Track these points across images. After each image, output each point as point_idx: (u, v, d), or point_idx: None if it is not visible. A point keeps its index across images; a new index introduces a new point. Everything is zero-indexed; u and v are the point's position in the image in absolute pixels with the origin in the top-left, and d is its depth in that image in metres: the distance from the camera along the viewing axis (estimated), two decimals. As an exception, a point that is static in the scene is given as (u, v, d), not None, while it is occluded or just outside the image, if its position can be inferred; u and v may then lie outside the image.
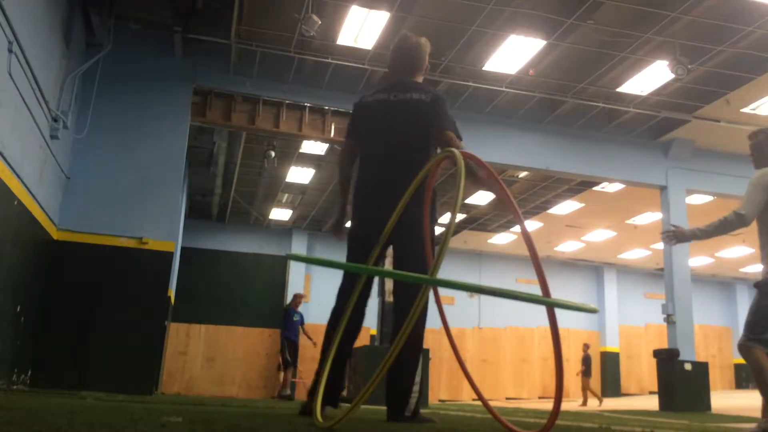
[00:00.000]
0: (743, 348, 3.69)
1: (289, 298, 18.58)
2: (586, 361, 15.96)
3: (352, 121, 3.63)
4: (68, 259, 8.31)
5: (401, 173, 3.21)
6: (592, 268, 22.19)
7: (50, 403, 3.47)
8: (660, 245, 13.24)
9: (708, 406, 10.62)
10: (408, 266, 3.16)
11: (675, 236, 4.02)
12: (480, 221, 17.90)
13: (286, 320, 13.43)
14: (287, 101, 10.71)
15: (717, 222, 3.85)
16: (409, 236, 3.23)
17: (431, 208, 3.31)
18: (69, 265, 8.30)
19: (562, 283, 20.78)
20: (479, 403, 12.89)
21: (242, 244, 18.66)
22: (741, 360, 19.54)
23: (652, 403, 11.98)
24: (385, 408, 3.36)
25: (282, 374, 13.33)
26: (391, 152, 3.38)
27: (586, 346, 16.38)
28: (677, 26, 9.06)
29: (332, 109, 10.88)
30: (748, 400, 12.01)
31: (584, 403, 15.20)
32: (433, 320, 3.39)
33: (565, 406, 8.05)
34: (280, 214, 17.98)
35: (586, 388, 15.78)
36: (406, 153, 3.32)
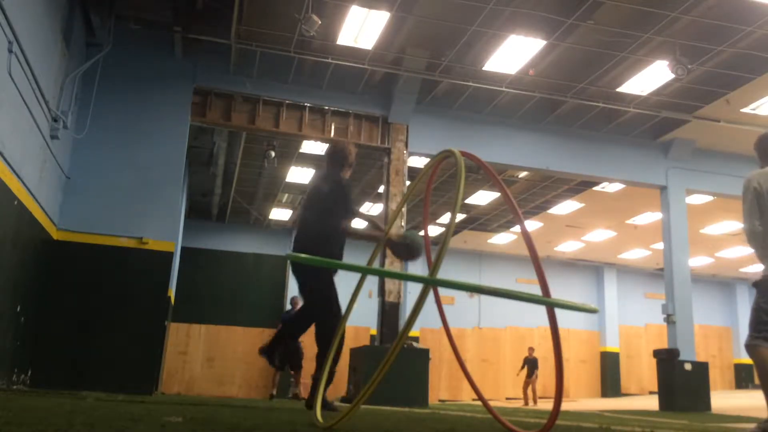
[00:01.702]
0: (749, 347, 3.72)
1: (289, 297, 18.59)
2: (529, 363, 16.02)
3: None
4: (68, 259, 8.31)
5: (305, 235, 4.72)
6: (592, 268, 22.19)
7: (50, 403, 3.47)
8: (660, 245, 13.24)
9: (708, 406, 10.62)
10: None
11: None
12: (480, 221, 17.90)
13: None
14: (287, 101, 10.71)
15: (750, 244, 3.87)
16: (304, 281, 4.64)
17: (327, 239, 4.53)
18: (69, 265, 8.30)
19: (562, 283, 20.76)
20: (479, 403, 12.86)
21: (242, 244, 18.66)
22: (741, 360, 19.54)
23: (652, 403, 11.97)
24: (385, 408, 3.38)
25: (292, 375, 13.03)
26: (304, 219, 4.83)
27: (530, 350, 16.46)
28: (677, 26, 9.06)
29: (332, 109, 10.88)
30: (749, 400, 12.01)
31: (525, 403, 15.34)
32: (433, 320, 3.40)
33: (565, 405, 8.06)
34: (280, 214, 17.98)
35: (526, 389, 15.92)
36: (311, 221, 4.71)
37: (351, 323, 4.35)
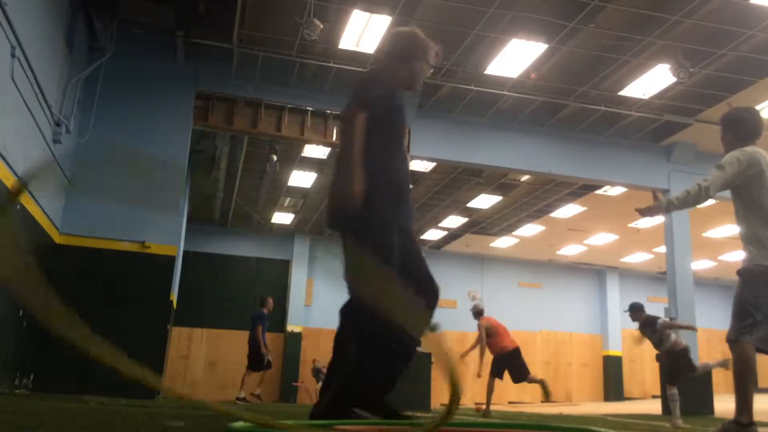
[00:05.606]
0: (733, 342, 3.47)
1: (292, 301, 18.58)
2: (314, 372, 16.48)
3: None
4: (70, 263, 8.31)
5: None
6: (595, 271, 22.14)
7: (52, 407, 3.47)
8: (663, 248, 13.20)
9: (711, 410, 10.58)
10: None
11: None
12: (482, 225, 17.87)
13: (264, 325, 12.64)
14: (289, 105, 10.71)
15: None
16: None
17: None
18: (71, 269, 8.30)
19: (564, 287, 20.72)
20: (478, 406, 12.81)
21: (244, 248, 18.65)
22: (744, 364, 19.15)
23: (655, 407, 11.94)
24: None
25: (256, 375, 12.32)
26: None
27: (314, 361, 16.81)
28: (679, 30, 9.06)
29: (334, 113, 10.88)
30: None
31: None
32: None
33: (568, 409, 8.04)
34: (282, 218, 17.97)
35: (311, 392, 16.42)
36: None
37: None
